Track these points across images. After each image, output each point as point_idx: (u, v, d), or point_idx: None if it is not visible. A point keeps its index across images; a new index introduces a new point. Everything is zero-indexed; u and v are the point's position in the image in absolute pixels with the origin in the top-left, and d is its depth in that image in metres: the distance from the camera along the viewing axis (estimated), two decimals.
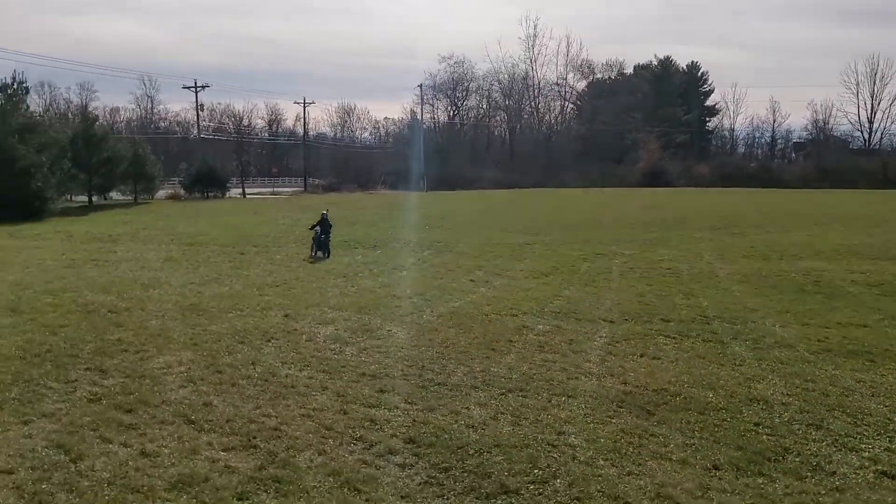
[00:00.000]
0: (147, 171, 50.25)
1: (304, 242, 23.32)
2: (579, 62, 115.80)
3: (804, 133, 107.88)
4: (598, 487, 6.11)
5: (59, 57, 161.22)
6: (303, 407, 8.01)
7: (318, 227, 21.67)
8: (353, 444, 6.99)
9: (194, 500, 5.74)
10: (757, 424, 7.67)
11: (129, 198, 51.13)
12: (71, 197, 48.35)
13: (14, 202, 34.81)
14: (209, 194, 59.12)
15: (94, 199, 47.96)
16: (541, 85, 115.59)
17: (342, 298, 14.63)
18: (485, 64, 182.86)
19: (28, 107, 40.12)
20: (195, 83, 73.47)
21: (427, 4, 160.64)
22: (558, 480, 6.23)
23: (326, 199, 55.32)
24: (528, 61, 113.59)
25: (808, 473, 6.47)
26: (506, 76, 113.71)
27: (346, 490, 5.99)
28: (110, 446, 6.78)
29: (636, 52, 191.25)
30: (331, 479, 6.17)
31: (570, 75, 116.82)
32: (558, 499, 5.92)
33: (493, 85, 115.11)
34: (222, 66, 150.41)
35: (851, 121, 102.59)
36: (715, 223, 32.42)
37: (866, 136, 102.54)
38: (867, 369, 9.76)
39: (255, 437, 7.07)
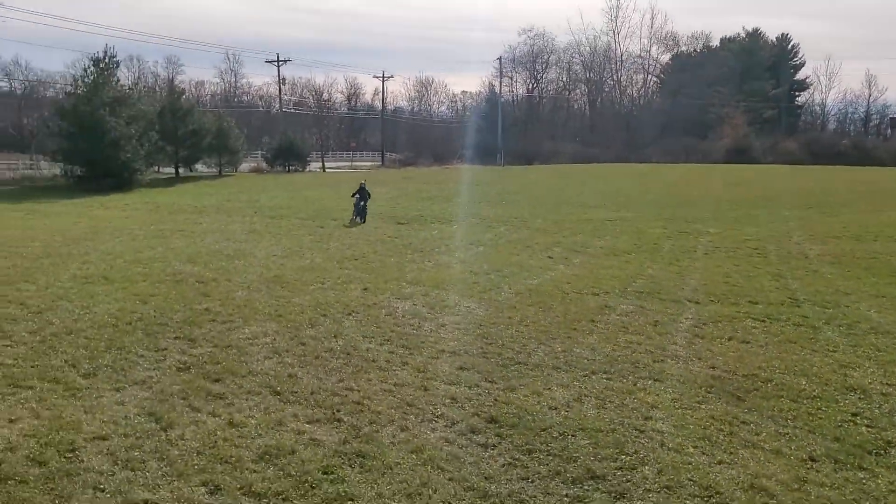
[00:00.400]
0: (231, 144, 51.33)
1: (382, 217, 23.67)
2: (663, 34, 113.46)
3: None
4: (689, 476, 5.91)
5: (147, 31, 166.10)
6: (384, 382, 8.02)
7: (357, 195, 24.24)
8: (435, 421, 6.95)
9: (281, 473, 5.79)
10: (855, 415, 7.29)
11: (214, 170, 52.36)
12: (159, 169, 49.87)
13: (105, 173, 36.19)
14: (290, 168, 60.14)
15: (181, 171, 49.32)
16: (623, 58, 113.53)
17: (419, 273, 14.65)
18: (566, 36, 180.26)
19: (118, 80, 41.33)
20: (277, 57, 74.73)
21: None
22: (647, 467, 6.05)
23: (402, 174, 55.66)
24: (611, 33, 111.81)
25: None
26: (587, 48, 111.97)
27: (429, 468, 5.95)
28: (199, 415, 6.91)
29: (723, 25, 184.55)
30: (413, 457, 6.14)
31: (654, 48, 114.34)
32: (647, 486, 5.75)
33: (573, 57, 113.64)
34: (303, 41, 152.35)
35: None
36: (804, 202, 31.20)
37: None
38: None
39: (338, 411, 7.11)
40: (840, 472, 6.05)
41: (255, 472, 5.80)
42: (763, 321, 11.11)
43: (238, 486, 5.57)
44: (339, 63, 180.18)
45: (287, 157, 60.43)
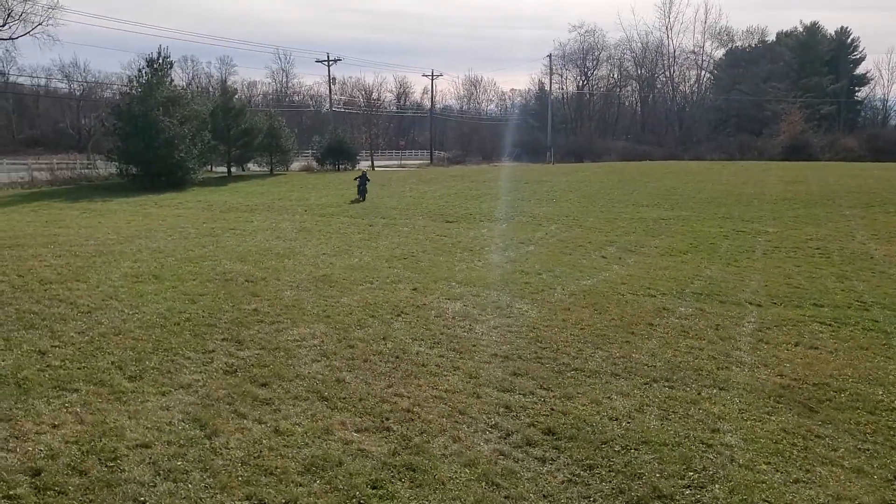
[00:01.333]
0: (282, 143, 51.60)
1: (431, 216, 23.61)
2: (717, 29, 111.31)
3: None
4: (763, 496, 5.48)
5: (200, 32, 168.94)
6: (435, 388, 7.72)
7: (358, 180, 32.01)
8: (489, 431, 6.61)
9: (328, 486, 5.52)
10: None
11: (265, 169, 52.74)
12: (211, 167, 50.38)
13: (159, 172, 36.64)
14: (340, 166, 60.30)
15: (233, 169, 49.73)
16: (676, 53, 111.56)
17: (469, 273, 14.33)
18: (617, 33, 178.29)
19: (172, 80, 41.63)
20: (328, 57, 75.15)
21: None
22: (717, 486, 5.63)
23: (451, 172, 55.34)
24: (664, 29, 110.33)
25: None
26: (639, 45, 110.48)
27: (483, 484, 5.62)
28: (245, 422, 6.68)
29: (779, 18, 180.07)
30: (467, 471, 5.81)
31: (708, 43, 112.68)
32: None
33: (625, 54, 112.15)
34: (354, 40, 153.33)
35: None
36: (867, 200, 29.93)
37: None
38: None
39: (387, 419, 6.83)
40: None
41: (300, 485, 5.54)
42: (830, 325, 10.56)
43: (283, 500, 5.32)
44: (388, 62, 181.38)
45: (337, 155, 60.57)
